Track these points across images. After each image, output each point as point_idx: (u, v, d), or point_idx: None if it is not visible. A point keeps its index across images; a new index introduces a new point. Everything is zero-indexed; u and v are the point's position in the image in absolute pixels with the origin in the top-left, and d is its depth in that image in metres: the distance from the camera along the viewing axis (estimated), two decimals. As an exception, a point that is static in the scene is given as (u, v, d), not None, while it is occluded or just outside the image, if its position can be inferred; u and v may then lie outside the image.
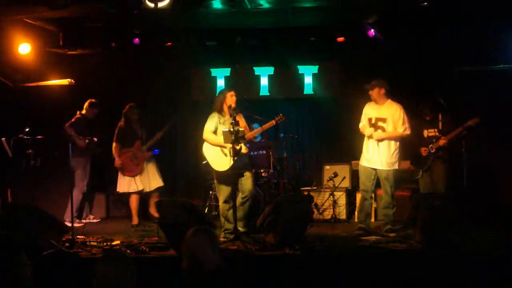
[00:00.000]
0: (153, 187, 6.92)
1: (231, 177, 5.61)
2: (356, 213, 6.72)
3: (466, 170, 5.89)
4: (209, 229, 2.92)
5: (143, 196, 7.01)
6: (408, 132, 5.82)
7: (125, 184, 6.86)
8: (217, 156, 5.75)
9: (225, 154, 5.68)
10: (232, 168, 5.56)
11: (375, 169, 5.89)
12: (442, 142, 5.99)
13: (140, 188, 6.83)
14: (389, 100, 5.91)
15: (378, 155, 5.82)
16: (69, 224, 6.89)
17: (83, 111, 7.19)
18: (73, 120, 7.04)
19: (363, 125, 6.01)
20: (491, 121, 6.24)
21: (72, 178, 6.75)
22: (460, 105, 6.45)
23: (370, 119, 5.92)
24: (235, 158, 5.47)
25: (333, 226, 6.60)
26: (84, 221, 7.10)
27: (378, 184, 6.03)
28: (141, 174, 6.86)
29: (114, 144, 6.86)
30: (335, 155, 7.62)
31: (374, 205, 6.63)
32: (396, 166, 5.84)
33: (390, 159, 5.81)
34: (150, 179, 6.91)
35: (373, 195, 6.16)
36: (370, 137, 5.85)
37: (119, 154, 6.82)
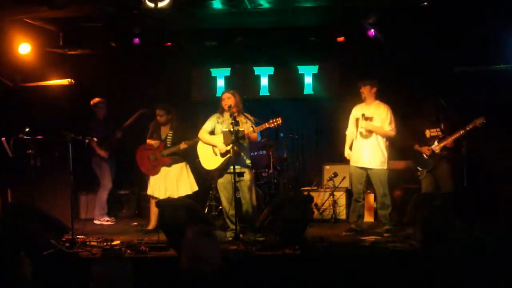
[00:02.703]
0: (169, 195, 6.31)
1: (227, 177, 5.68)
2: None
3: (466, 170, 5.90)
4: (213, 231, 2.93)
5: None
6: (393, 133, 5.94)
7: (149, 187, 6.54)
8: (207, 154, 5.86)
9: (215, 154, 5.79)
10: (219, 168, 5.70)
11: (365, 170, 5.97)
12: (448, 141, 5.98)
13: (152, 194, 6.43)
14: (377, 101, 6.05)
15: (367, 154, 5.92)
16: (97, 222, 7.00)
17: (95, 114, 7.18)
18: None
19: (349, 134, 6.20)
20: (491, 121, 6.23)
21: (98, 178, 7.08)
22: (460, 105, 6.46)
23: (357, 119, 6.06)
24: (224, 158, 5.62)
25: (333, 226, 6.59)
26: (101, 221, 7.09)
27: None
28: (160, 179, 6.41)
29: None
30: (335, 155, 7.60)
31: (374, 205, 6.66)
32: (385, 166, 5.93)
33: (379, 158, 5.90)
34: (167, 187, 6.37)
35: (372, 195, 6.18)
36: (361, 134, 5.96)
37: (138, 149, 6.56)
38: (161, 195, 6.32)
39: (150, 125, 6.67)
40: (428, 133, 6.17)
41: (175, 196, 6.26)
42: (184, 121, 6.69)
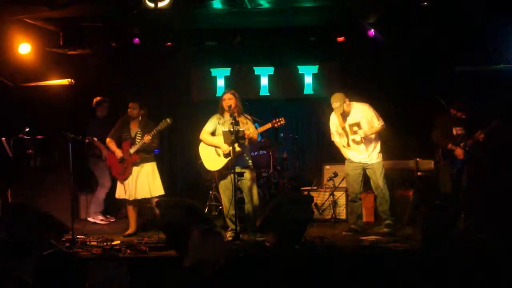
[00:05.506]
0: (139, 196, 6.14)
1: (229, 178, 5.65)
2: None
3: (466, 170, 5.90)
4: (219, 231, 2.94)
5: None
6: (384, 125, 5.88)
7: (119, 190, 6.28)
8: (210, 156, 5.84)
9: (218, 155, 5.78)
10: (224, 168, 5.68)
11: (362, 169, 5.96)
12: (481, 136, 5.99)
13: (127, 197, 6.16)
14: (354, 103, 5.96)
15: (363, 150, 5.90)
16: (91, 220, 6.96)
17: (97, 112, 7.14)
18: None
19: (338, 140, 6.08)
20: (491, 121, 6.23)
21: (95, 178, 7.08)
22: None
23: (343, 128, 5.96)
24: (228, 158, 5.59)
25: (333, 226, 6.59)
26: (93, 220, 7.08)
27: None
28: (129, 180, 6.14)
29: (107, 139, 6.28)
30: (335, 155, 7.59)
31: (374, 205, 6.65)
32: (381, 158, 5.93)
33: (374, 152, 5.89)
34: (137, 187, 6.12)
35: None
36: (354, 141, 5.89)
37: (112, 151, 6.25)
38: (131, 196, 6.13)
39: (117, 121, 6.37)
40: (454, 131, 6.18)
41: (148, 197, 6.16)
42: (151, 119, 6.32)
